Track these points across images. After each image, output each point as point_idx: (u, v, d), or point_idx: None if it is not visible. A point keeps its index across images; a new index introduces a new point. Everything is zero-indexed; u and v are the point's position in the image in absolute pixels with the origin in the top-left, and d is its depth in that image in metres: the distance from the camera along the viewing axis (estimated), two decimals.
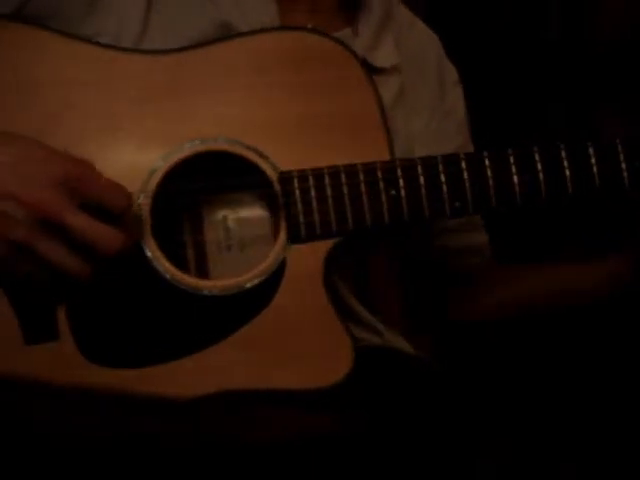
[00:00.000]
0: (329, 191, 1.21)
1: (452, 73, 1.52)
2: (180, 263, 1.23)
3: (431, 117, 1.46)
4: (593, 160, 1.26)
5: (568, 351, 1.75)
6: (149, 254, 1.18)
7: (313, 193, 1.20)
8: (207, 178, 1.23)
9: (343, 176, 1.21)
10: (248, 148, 1.20)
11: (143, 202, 1.18)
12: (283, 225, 1.20)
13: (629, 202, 1.38)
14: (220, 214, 1.27)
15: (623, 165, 1.27)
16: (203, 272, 1.26)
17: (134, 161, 1.19)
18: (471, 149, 1.50)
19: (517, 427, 1.28)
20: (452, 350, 1.55)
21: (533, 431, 1.28)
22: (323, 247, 1.21)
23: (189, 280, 1.19)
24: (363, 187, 1.21)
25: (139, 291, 1.19)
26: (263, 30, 1.25)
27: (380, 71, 1.37)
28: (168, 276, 1.18)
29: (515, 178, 1.24)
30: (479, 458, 1.18)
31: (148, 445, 1.11)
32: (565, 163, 1.26)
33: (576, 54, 2.07)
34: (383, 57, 1.38)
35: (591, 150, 1.26)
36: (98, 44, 1.22)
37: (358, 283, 1.42)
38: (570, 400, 1.50)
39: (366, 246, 1.37)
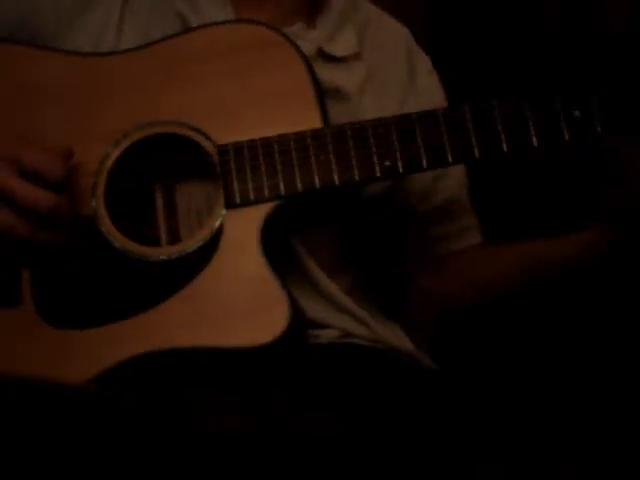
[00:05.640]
0: (262, 159, 1.30)
1: (425, 63, 1.57)
2: (153, 230, 1.36)
3: (403, 102, 1.51)
4: (528, 114, 1.27)
5: (568, 351, 1.71)
6: (103, 229, 1.31)
7: (247, 162, 1.30)
8: (159, 158, 1.36)
9: (275, 145, 1.30)
10: (192, 129, 1.32)
11: (98, 181, 1.32)
12: (220, 193, 1.30)
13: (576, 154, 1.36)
14: (192, 192, 1.39)
15: (561, 116, 1.27)
16: (176, 237, 1.37)
17: (91, 150, 1.33)
18: None
19: (517, 428, 1.27)
20: (451, 349, 1.55)
21: (533, 431, 1.27)
22: (260, 212, 1.29)
23: (138, 248, 1.30)
24: (294, 154, 1.29)
25: (97, 261, 1.31)
26: (202, 26, 1.37)
27: (342, 59, 1.47)
28: (118, 245, 1.31)
29: (445, 137, 1.28)
30: (478, 460, 1.19)
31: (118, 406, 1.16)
32: (498, 119, 1.28)
33: (578, 50, 2.03)
34: (342, 47, 1.47)
35: (526, 105, 1.27)
36: (64, 51, 1.39)
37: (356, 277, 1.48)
38: (570, 400, 1.47)
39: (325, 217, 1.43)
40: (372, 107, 1.46)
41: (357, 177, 1.28)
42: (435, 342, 1.52)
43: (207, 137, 1.32)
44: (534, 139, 1.27)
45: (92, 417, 1.09)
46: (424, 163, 1.28)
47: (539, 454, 1.20)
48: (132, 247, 1.30)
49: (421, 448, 1.18)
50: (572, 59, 2.08)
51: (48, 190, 1.26)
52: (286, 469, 1.11)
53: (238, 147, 1.30)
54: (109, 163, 1.33)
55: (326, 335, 1.40)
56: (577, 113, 1.27)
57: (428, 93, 1.54)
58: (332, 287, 1.41)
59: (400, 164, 1.28)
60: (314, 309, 1.38)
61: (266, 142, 1.30)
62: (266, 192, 1.29)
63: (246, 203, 1.29)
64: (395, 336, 1.46)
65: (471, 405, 1.31)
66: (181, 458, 1.08)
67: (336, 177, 1.28)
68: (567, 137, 1.27)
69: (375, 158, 1.28)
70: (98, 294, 1.30)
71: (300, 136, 1.29)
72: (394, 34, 1.56)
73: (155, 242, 1.36)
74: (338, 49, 1.46)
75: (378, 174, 1.28)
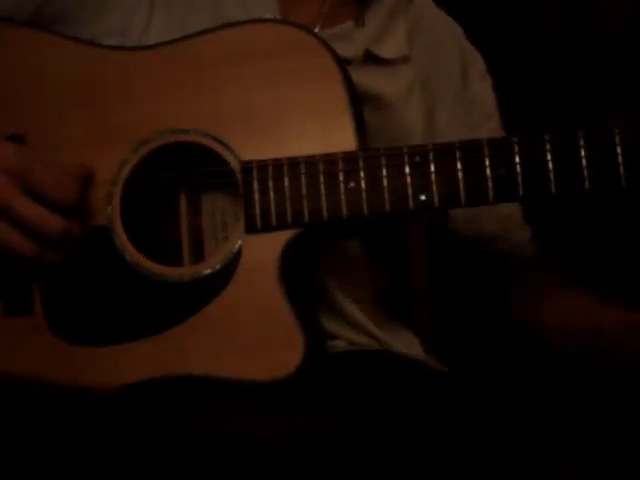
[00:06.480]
0: (287, 182, 1.18)
1: (478, 66, 1.48)
2: (176, 248, 1.28)
3: (454, 107, 1.43)
4: (583, 153, 1.16)
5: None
6: (116, 241, 1.22)
7: (271, 184, 1.19)
8: (182, 168, 1.26)
9: (302, 167, 1.18)
10: (215, 139, 1.21)
11: (113, 191, 1.22)
12: (242, 215, 1.19)
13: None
14: (217, 205, 1.29)
15: (620, 159, 1.14)
16: (200, 258, 1.28)
17: (107, 153, 1.23)
18: None
19: (517, 428, 1.23)
20: (451, 351, 1.48)
21: (533, 431, 1.22)
22: (280, 239, 1.18)
23: (150, 266, 1.21)
24: (322, 178, 1.18)
25: (109, 274, 1.22)
26: (233, 24, 1.25)
27: (388, 62, 1.37)
28: (131, 261, 1.21)
29: (489, 171, 1.16)
30: (478, 460, 1.14)
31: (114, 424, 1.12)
32: (548, 156, 1.16)
33: (578, 50, 1.98)
34: (390, 48, 1.38)
35: (582, 141, 1.16)
36: (83, 41, 1.27)
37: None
38: (570, 400, 1.41)
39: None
40: (418, 114, 1.38)
41: (388, 209, 1.17)
42: (438, 344, 1.48)
43: (231, 151, 1.20)
44: (586, 182, 1.16)
45: (92, 417, 1.09)
46: (462, 199, 1.17)
47: (539, 454, 1.17)
48: (147, 265, 1.21)
49: (421, 448, 1.14)
50: (572, 59, 2.05)
51: (56, 213, 1.17)
52: (286, 469, 1.08)
53: (262, 165, 1.19)
54: (126, 172, 1.22)
55: (334, 345, 1.33)
56: None
57: (480, 101, 1.45)
58: (345, 302, 1.34)
59: (436, 198, 1.17)
60: (325, 322, 1.31)
61: (293, 162, 1.18)
62: (289, 219, 1.18)
63: (267, 229, 1.18)
64: (404, 344, 1.39)
65: (471, 405, 1.27)
66: (181, 458, 1.06)
67: (365, 207, 1.17)
68: (625, 184, 1.14)
69: (410, 190, 1.17)
70: (110, 310, 1.22)
71: (330, 158, 1.18)
72: (446, 32, 1.47)
73: (175, 249, 1.28)
74: (386, 51, 1.37)
75: (411, 207, 1.17)
